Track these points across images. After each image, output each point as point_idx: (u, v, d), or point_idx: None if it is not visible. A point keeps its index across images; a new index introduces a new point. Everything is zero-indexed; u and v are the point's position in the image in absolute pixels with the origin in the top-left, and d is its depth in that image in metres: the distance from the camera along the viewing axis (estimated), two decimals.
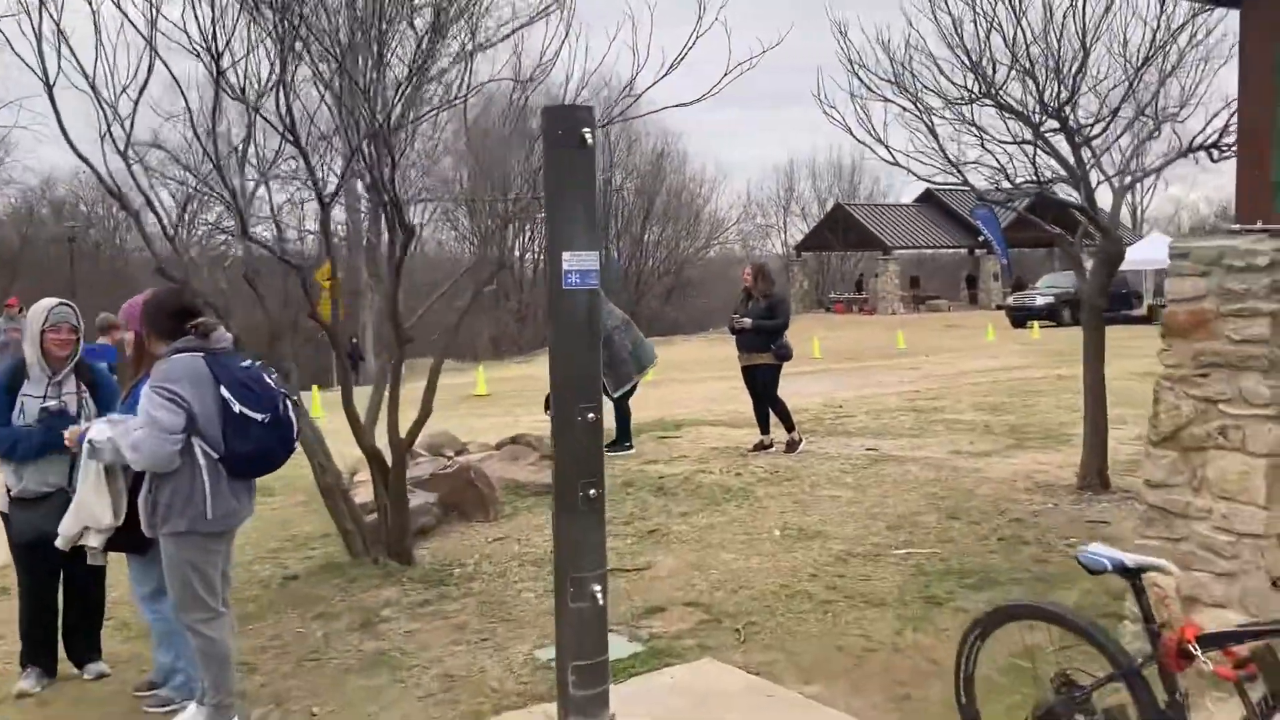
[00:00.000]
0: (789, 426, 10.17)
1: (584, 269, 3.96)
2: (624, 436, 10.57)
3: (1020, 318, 36.39)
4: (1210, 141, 7.80)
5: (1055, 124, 7.35)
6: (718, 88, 6.04)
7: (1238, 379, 4.45)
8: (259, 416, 4.14)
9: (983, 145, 7.37)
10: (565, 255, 3.93)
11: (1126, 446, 9.34)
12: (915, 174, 7.76)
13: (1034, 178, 7.49)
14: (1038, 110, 7.22)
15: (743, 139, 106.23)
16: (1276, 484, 4.43)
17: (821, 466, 9.22)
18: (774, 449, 10.04)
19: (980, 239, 49.27)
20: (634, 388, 10.70)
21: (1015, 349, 24.85)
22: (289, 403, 4.34)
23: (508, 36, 6.55)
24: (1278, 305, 4.40)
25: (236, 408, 4.10)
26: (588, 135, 3.89)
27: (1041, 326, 33.39)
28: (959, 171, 7.38)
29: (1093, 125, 7.36)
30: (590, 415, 3.98)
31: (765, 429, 10.26)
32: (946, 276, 59.41)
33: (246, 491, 4.33)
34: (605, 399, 10.72)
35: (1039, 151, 7.33)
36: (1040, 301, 36.74)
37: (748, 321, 10.21)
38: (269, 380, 4.30)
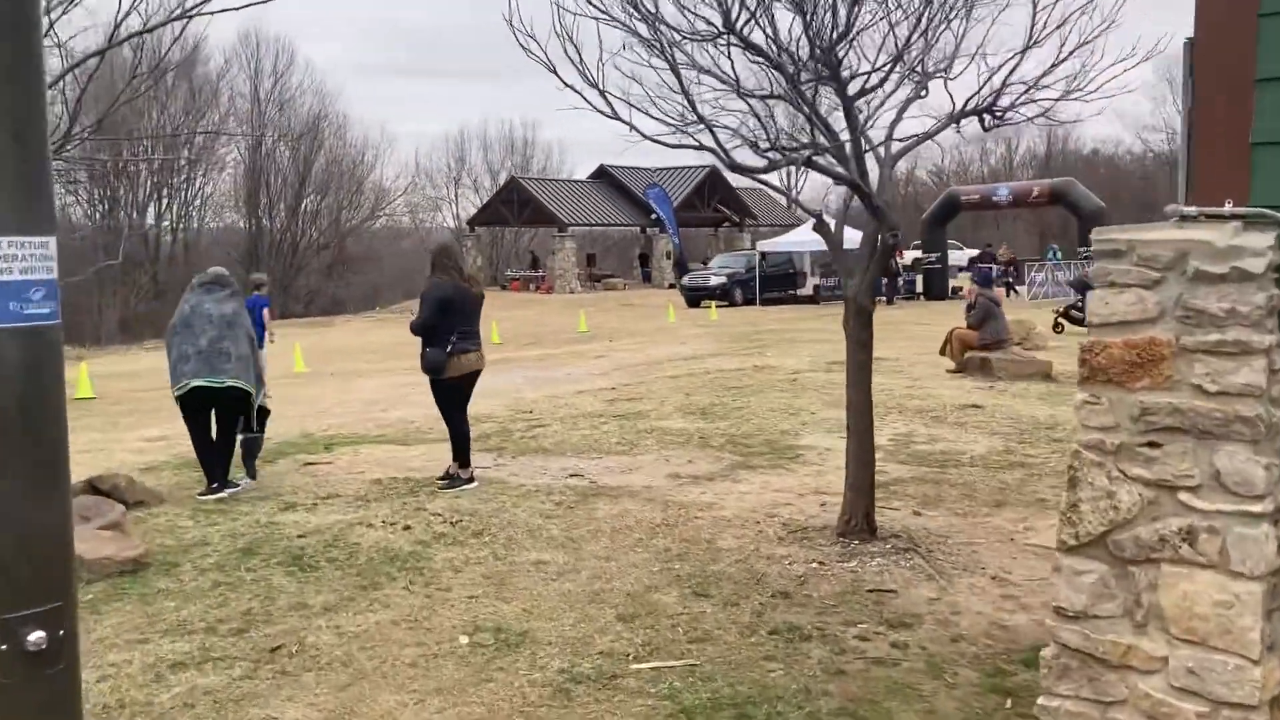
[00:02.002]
0: (456, 458, 7.99)
1: (13, 279, 1.62)
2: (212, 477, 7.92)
3: (695, 297, 36.26)
4: (985, 105, 6.41)
5: (820, 71, 5.62)
6: None
7: (1213, 453, 2.79)
8: None
9: (737, 92, 5.53)
10: None
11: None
12: (641, 132, 5.81)
13: (794, 141, 5.75)
14: (805, 53, 5.46)
15: (409, 107, 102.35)
16: (1274, 620, 2.84)
17: (518, 509, 7.13)
18: (473, 484, 7.85)
19: (653, 217, 49.17)
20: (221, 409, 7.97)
21: (699, 332, 23.97)
22: None
23: None
24: None
25: None
26: None
27: (718, 306, 33.19)
28: (709, 130, 5.48)
29: (868, 76, 5.71)
30: (36, 637, 1.65)
31: (456, 454, 8.02)
32: (620, 254, 59.32)
33: None
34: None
35: (806, 110, 5.57)
36: (714, 281, 36.68)
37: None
38: None
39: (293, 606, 5.38)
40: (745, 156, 6.50)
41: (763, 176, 5.86)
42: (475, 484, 7.86)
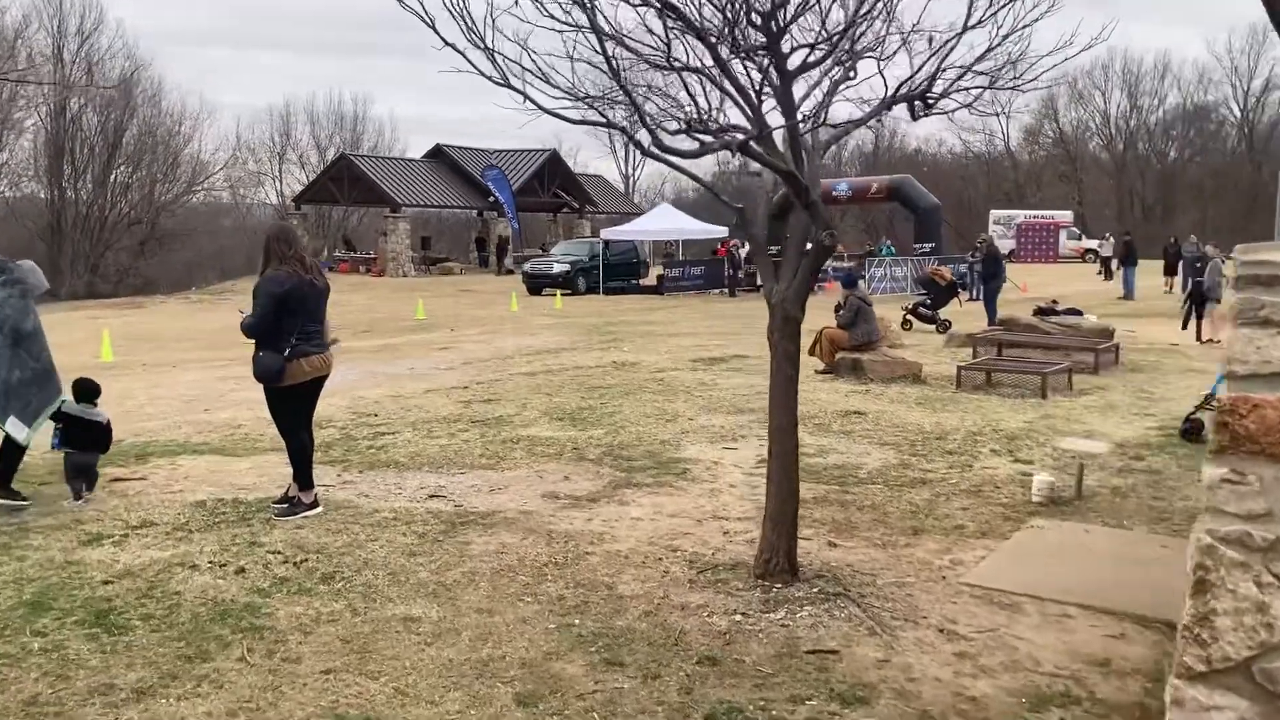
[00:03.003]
0: (296, 479, 6.80)
1: None
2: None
3: (537, 285, 35.37)
4: (919, 90, 5.72)
5: (755, 42, 4.77)
6: None
7: None
8: None
9: (668, 62, 4.62)
10: None
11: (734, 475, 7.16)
12: (538, 104, 4.83)
13: (714, 122, 4.88)
14: (740, 22, 4.59)
15: (230, 77, 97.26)
16: None
17: (375, 544, 6.06)
18: (317, 509, 6.69)
19: (491, 200, 47.82)
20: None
21: (546, 323, 23.01)
22: None
23: None
24: None
25: None
26: None
27: (562, 295, 32.32)
28: (633, 103, 4.54)
29: (810, 50, 4.88)
30: None
31: (297, 475, 6.81)
32: (455, 238, 57.64)
33: None
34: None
35: (732, 87, 4.71)
36: (557, 269, 35.77)
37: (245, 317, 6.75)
38: None
39: (95, 689, 4.19)
40: (646, 137, 5.62)
41: (683, 163, 4.97)
42: (320, 509, 6.72)
